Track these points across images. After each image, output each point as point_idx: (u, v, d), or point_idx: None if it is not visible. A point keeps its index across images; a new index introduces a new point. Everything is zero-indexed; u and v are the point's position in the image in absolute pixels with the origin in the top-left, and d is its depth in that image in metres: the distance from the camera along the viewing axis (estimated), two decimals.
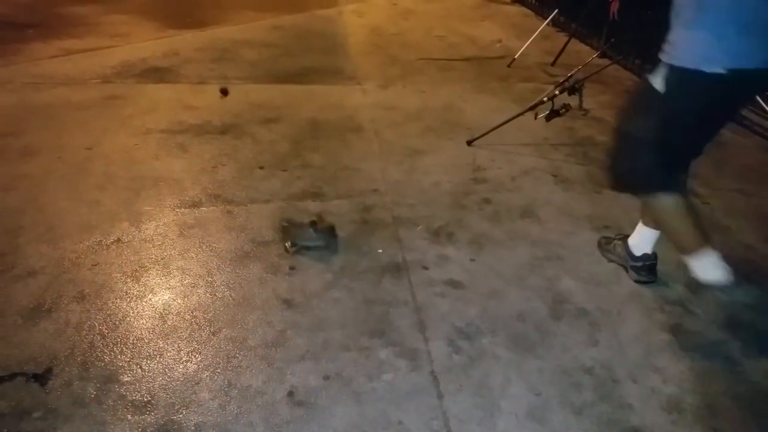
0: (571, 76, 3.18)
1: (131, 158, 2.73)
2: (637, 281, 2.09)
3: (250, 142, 2.95)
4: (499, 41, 4.96)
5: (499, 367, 1.71)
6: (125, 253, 2.10)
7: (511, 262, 2.17)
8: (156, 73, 3.70)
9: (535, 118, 3.02)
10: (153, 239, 2.18)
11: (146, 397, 1.55)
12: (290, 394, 1.59)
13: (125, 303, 1.88)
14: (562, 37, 4.75)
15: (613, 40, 4.21)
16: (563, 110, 2.95)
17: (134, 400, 1.54)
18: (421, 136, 3.16)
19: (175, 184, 2.56)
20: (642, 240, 2.06)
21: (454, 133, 3.21)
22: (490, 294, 2.00)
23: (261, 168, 2.73)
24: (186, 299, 1.91)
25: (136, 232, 2.22)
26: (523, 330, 1.85)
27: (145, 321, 1.81)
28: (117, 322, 1.79)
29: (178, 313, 1.85)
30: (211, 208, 2.40)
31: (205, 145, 2.88)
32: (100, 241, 2.15)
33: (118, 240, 2.16)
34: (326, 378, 1.64)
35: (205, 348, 1.72)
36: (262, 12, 5.13)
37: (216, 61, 3.98)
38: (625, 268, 2.13)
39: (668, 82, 1.67)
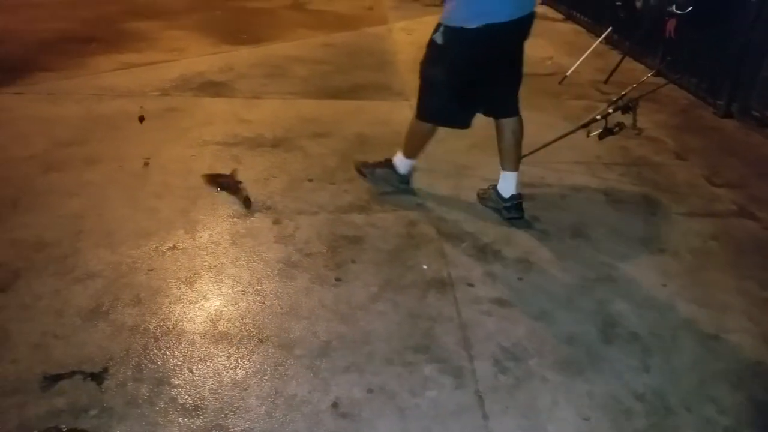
0: (625, 94, 3.12)
1: (187, 168, 2.83)
2: (509, 219, 2.47)
3: (300, 156, 3.02)
4: (550, 58, 4.91)
5: (546, 389, 1.67)
6: (180, 259, 2.17)
7: (560, 283, 2.12)
8: (212, 87, 3.84)
9: (588, 136, 2.97)
10: (206, 247, 2.25)
11: (196, 401, 1.59)
12: (334, 405, 1.60)
13: (179, 308, 1.94)
14: (616, 55, 4.65)
15: (669, 58, 4.11)
16: (617, 129, 2.89)
17: (184, 403, 1.59)
18: (468, 152, 3.15)
19: (229, 194, 2.64)
20: (507, 184, 2.48)
21: None
22: (538, 314, 1.96)
23: (310, 181, 2.78)
24: (236, 306, 1.95)
25: (191, 239, 2.29)
26: (572, 353, 1.80)
27: (196, 326, 1.86)
28: (170, 326, 1.85)
29: (228, 320, 1.89)
30: (262, 218, 2.46)
31: (258, 158, 2.97)
32: (157, 247, 2.23)
33: (174, 247, 2.24)
34: (370, 391, 1.64)
35: (253, 355, 1.75)
36: (314, 30, 5.26)
37: (269, 76, 4.11)
38: (500, 211, 2.50)
39: (444, 38, 2.17)
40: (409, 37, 5.39)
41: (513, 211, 2.46)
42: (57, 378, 1.63)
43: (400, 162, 2.62)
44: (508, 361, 1.75)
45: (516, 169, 2.47)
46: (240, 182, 2.66)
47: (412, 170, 2.66)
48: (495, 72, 2.27)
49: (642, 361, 1.79)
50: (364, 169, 2.74)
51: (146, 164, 2.82)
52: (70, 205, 2.47)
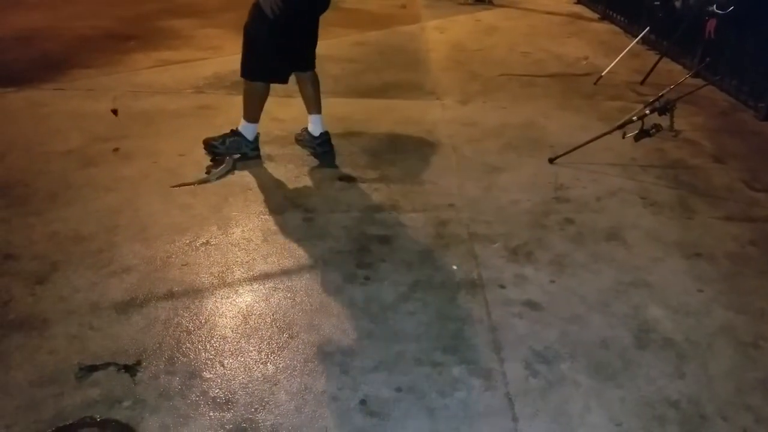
0: (662, 95, 3.04)
1: (220, 165, 2.87)
2: (322, 153, 2.91)
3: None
4: (586, 58, 4.82)
5: (578, 394, 1.64)
6: (213, 255, 2.21)
7: (594, 287, 2.09)
8: None
9: (623, 138, 2.90)
10: (239, 243, 2.28)
11: (227, 395, 1.61)
12: (363, 402, 1.60)
13: (211, 302, 1.97)
14: (653, 56, 4.55)
15: (708, 59, 3.99)
16: (653, 131, 2.82)
17: (215, 396, 1.61)
18: (501, 153, 3.12)
19: (261, 191, 2.67)
20: (315, 125, 2.94)
21: (536, 150, 3.14)
22: (570, 318, 1.93)
23: (340, 179, 2.79)
24: (267, 302, 1.97)
25: (224, 235, 2.33)
26: (605, 357, 1.77)
27: (228, 320, 1.89)
28: (202, 321, 1.88)
29: (259, 315, 1.91)
30: (293, 215, 2.48)
31: (289, 156, 2.99)
32: (190, 242, 2.27)
33: (207, 242, 2.28)
34: (399, 390, 1.64)
35: (283, 350, 1.77)
36: (347, 28, 5.28)
37: None
38: (314, 148, 2.93)
39: (263, 2, 2.50)
40: (442, 36, 5.37)
41: (324, 145, 2.93)
42: (92, 369, 1.67)
43: (245, 128, 2.84)
44: (539, 365, 1.73)
45: (320, 111, 2.94)
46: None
47: (258, 135, 2.91)
48: (305, 33, 2.73)
49: (677, 367, 1.75)
50: (213, 142, 2.88)
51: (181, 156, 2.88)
52: (106, 200, 2.53)
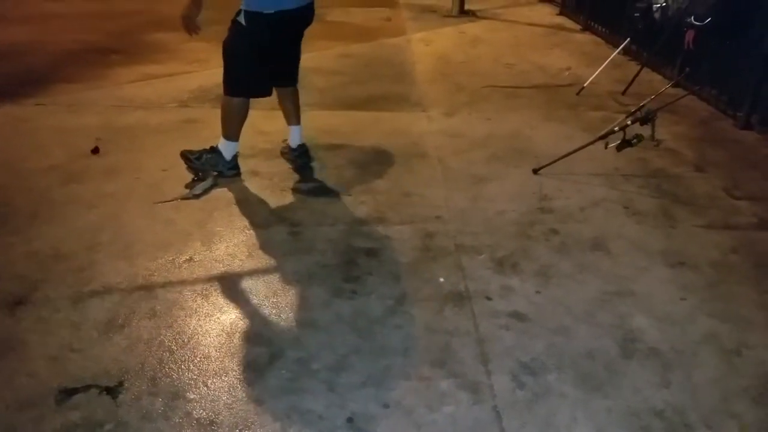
0: (643, 105, 3.09)
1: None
2: (300, 164, 2.96)
3: (317, 167, 3.03)
4: (569, 69, 4.89)
5: (565, 405, 1.64)
6: (196, 271, 2.18)
7: (579, 297, 2.09)
8: None
9: (606, 148, 2.94)
10: (223, 259, 2.26)
11: (211, 416, 1.59)
12: (350, 420, 1.58)
13: (194, 321, 1.94)
14: (634, 66, 4.61)
15: (688, 70, 4.06)
16: (635, 140, 2.86)
17: (199, 417, 1.58)
18: (487, 164, 3.14)
19: (246, 206, 2.65)
20: (294, 136, 2.99)
21: (521, 161, 3.16)
22: (557, 329, 1.93)
23: (327, 192, 2.79)
24: (252, 319, 1.95)
25: (208, 251, 2.30)
26: (591, 368, 1.77)
27: (212, 339, 1.86)
28: (186, 339, 1.86)
29: (244, 333, 1.89)
30: (279, 230, 2.46)
31: (274, 169, 2.98)
32: (173, 259, 2.25)
33: (190, 259, 2.25)
34: (386, 406, 1.62)
35: (268, 369, 1.75)
36: (332, 41, 5.30)
37: None
38: (294, 160, 2.99)
39: (246, 19, 2.52)
40: (427, 48, 5.41)
41: (302, 157, 2.98)
42: (72, 392, 1.64)
43: (224, 147, 2.81)
44: (526, 376, 1.73)
45: (298, 123, 2.99)
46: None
47: (237, 154, 2.88)
48: (286, 49, 2.74)
49: (662, 376, 1.75)
50: (190, 156, 2.86)
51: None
52: (88, 217, 2.50)
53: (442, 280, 2.16)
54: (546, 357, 1.80)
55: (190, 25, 2.49)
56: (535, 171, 3.03)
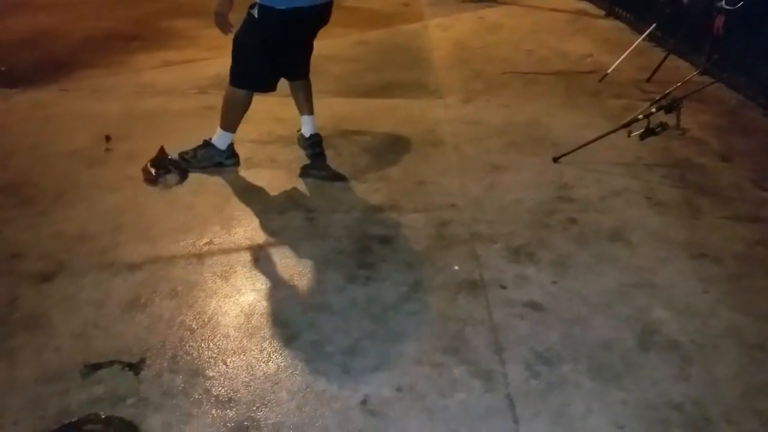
0: (668, 93, 3.02)
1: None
2: (312, 155, 2.89)
3: (332, 154, 3.02)
4: (591, 56, 4.79)
5: (580, 396, 1.63)
6: (216, 254, 2.22)
7: (597, 288, 2.07)
8: None
9: (629, 136, 2.89)
10: (241, 243, 2.29)
11: (229, 393, 1.62)
12: (364, 402, 1.60)
13: (214, 301, 1.98)
14: (659, 53, 4.50)
15: (716, 56, 3.95)
16: (659, 129, 2.80)
17: (218, 394, 1.62)
18: (504, 152, 3.11)
19: (263, 191, 2.67)
20: (307, 126, 2.95)
21: (540, 149, 3.12)
22: (573, 319, 1.92)
23: (344, 178, 2.79)
24: (270, 301, 1.98)
25: (227, 235, 2.33)
26: (607, 359, 1.76)
27: (231, 319, 1.90)
28: (206, 319, 1.89)
29: (261, 314, 1.92)
30: (295, 215, 2.48)
31: (291, 155, 2.99)
32: (194, 242, 2.28)
33: (210, 242, 2.28)
34: (399, 390, 1.64)
35: (285, 350, 1.78)
36: (348, 27, 5.27)
37: None
38: (306, 149, 2.94)
39: (259, 12, 2.48)
40: (445, 34, 5.35)
41: (314, 147, 2.92)
42: (97, 367, 1.69)
43: (219, 137, 2.78)
44: (540, 366, 1.72)
45: (311, 113, 2.94)
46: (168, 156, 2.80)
47: (233, 143, 2.84)
48: (296, 46, 2.70)
49: (681, 369, 1.73)
50: (186, 156, 2.81)
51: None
52: (110, 200, 2.55)
53: (456, 268, 2.15)
54: (561, 347, 1.79)
55: (223, 22, 2.49)
56: (556, 159, 2.99)
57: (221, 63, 4.30)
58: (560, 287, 2.07)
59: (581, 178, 2.84)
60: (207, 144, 2.81)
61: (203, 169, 2.78)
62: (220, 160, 2.81)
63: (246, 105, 2.72)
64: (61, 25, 5.09)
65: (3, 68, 4.06)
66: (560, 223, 2.46)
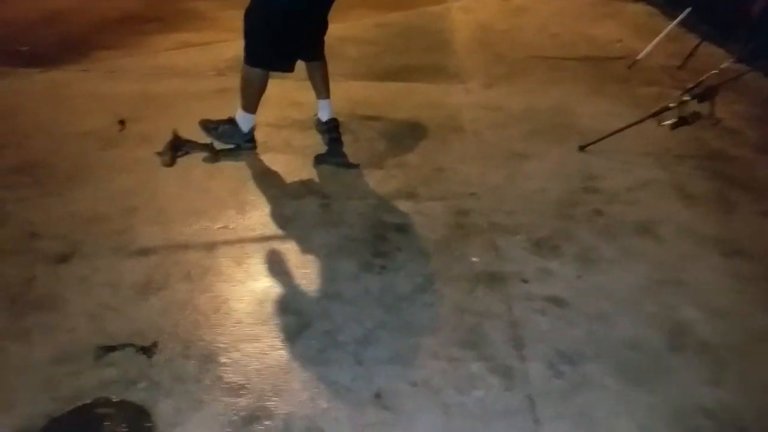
0: (702, 81, 2.87)
1: (239, 149, 2.82)
2: (329, 140, 2.82)
3: (348, 139, 2.95)
4: (620, 41, 4.62)
5: (604, 398, 1.55)
6: (231, 238, 2.17)
7: (623, 283, 1.98)
8: None
9: (659, 126, 2.76)
10: (256, 228, 2.24)
11: (241, 380, 1.58)
12: (377, 395, 1.55)
13: (228, 286, 1.94)
14: (692, 39, 4.32)
15: (753, 43, 3.76)
16: (692, 119, 2.67)
17: (230, 382, 1.58)
18: (526, 139, 3.00)
19: (278, 176, 2.62)
20: (324, 110, 2.88)
21: (564, 137, 3.01)
22: (597, 316, 1.83)
23: (358, 165, 2.72)
24: (283, 288, 1.94)
25: (241, 219, 2.28)
26: (634, 360, 1.67)
27: (244, 305, 1.86)
28: (219, 304, 1.85)
29: (274, 301, 1.87)
30: (310, 201, 2.42)
31: (307, 140, 2.92)
32: (208, 226, 2.24)
33: (225, 226, 2.24)
34: (414, 384, 1.58)
35: (297, 338, 1.73)
36: (368, 9, 5.16)
37: None
38: (323, 133, 2.87)
39: None
40: (468, 17, 5.21)
41: (331, 132, 2.85)
42: (110, 349, 1.67)
43: (242, 118, 2.73)
44: (563, 365, 1.64)
45: (328, 97, 2.88)
46: (186, 139, 2.77)
47: (254, 127, 2.80)
48: (310, 23, 2.61)
49: (713, 373, 1.64)
50: (209, 125, 2.78)
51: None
52: (124, 181, 2.51)
53: (474, 259, 2.07)
54: (585, 345, 1.71)
55: None
56: (582, 148, 2.88)
57: (239, 45, 4.21)
58: (584, 282, 1.98)
59: (608, 169, 2.72)
60: (231, 121, 2.77)
61: (219, 141, 2.76)
62: (239, 142, 2.76)
63: (263, 84, 2.65)
64: (81, 4, 5.06)
65: (25, 48, 4.06)
66: (585, 215, 2.36)
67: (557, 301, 1.88)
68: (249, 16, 2.55)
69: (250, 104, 2.71)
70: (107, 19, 4.73)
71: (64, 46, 4.10)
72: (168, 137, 2.78)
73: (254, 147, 2.81)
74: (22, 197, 2.37)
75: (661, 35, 4.05)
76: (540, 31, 4.81)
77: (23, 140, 2.84)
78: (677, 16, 4.48)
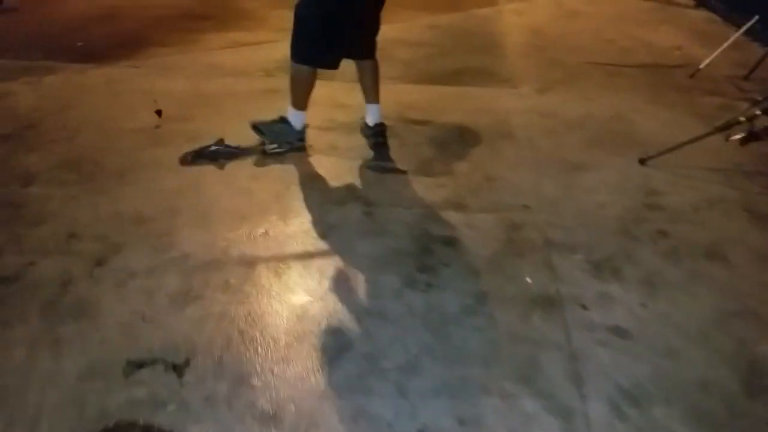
0: None
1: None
2: (374, 144, 2.77)
3: (395, 144, 2.86)
4: (679, 48, 4.37)
5: None
6: (271, 246, 2.11)
7: (692, 314, 1.82)
8: None
9: (727, 140, 2.56)
10: (297, 236, 2.17)
11: (274, 408, 1.50)
12: None
13: (265, 299, 1.86)
14: (758, 48, 4.05)
15: None
16: (763, 134, 2.46)
17: (262, 409, 1.49)
18: (583, 149, 2.84)
19: (322, 180, 2.55)
20: (372, 114, 2.83)
21: (624, 148, 2.83)
22: (665, 351, 1.67)
23: (404, 172, 2.62)
24: (322, 303, 1.85)
25: (283, 225, 2.22)
26: (707, 404, 1.52)
27: (281, 321, 1.78)
28: (255, 319, 1.78)
29: (313, 318, 1.79)
30: (354, 208, 2.34)
31: (353, 144, 2.85)
32: (250, 231, 2.18)
33: (266, 233, 2.18)
34: (462, 423, 1.46)
35: (336, 361, 1.64)
36: (419, 11, 5.06)
37: None
38: (368, 138, 2.82)
39: None
40: (520, 20, 5.04)
41: (377, 137, 2.79)
42: (140, 365, 1.61)
43: (293, 116, 2.72)
44: (627, 407, 1.50)
45: (377, 101, 2.81)
46: (228, 148, 2.73)
47: (306, 125, 2.79)
48: (357, 18, 2.52)
49: None
50: (261, 126, 2.76)
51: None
52: (171, 181, 2.49)
53: (529, 280, 1.94)
54: (652, 384, 1.56)
55: None
56: (642, 161, 2.70)
57: (287, 46, 4.22)
58: (649, 311, 1.82)
59: (672, 184, 2.54)
60: (283, 120, 2.74)
61: (273, 142, 2.73)
62: (291, 140, 2.74)
63: (311, 82, 2.62)
64: (136, 2, 5.16)
65: (80, 43, 4.15)
66: (648, 235, 2.19)
67: (620, 332, 1.74)
68: (297, 10, 2.52)
69: (300, 101, 2.69)
70: (161, 17, 4.80)
71: (119, 42, 4.17)
72: (215, 138, 2.76)
73: (304, 148, 2.78)
74: (68, 195, 2.37)
75: (727, 43, 3.80)
76: (595, 36, 4.61)
77: (74, 135, 2.87)
78: (738, 23, 4.20)
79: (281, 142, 2.74)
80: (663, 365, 1.62)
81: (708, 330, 1.75)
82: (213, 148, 2.73)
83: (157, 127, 2.95)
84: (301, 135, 2.76)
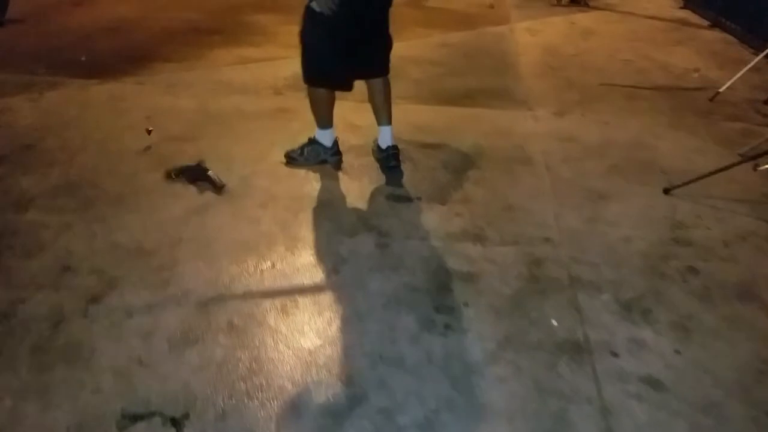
0: None
1: (293, 175, 2.67)
2: (388, 168, 2.68)
3: (408, 168, 2.75)
4: (697, 70, 4.27)
5: None
6: (278, 281, 1.99)
7: (729, 362, 1.69)
8: None
9: (755, 170, 2.45)
10: (306, 270, 2.05)
11: None
12: None
13: (271, 341, 1.74)
14: None
15: None
16: None
17: None
18: (605, 177, 2.72)
19: (332, 208, 2.44)
20: (383, 136, 2.72)
21: (647, 175, 2.72)
22: (703, 405, 1.55)
23: (418, 199, 2.51)
24: (333, 347, 1.72)
25: (291, 258, 2.11)
26: None
27: (288, 368, 1.65)
28: (261, 365, 1.66)
29: (323, 364, 1.66)
30: (366, 240, 2.22)
31: (365, 168, 2.74)
32: (255, 264, 2.07)
33: (273, 266, 2.06)
34: None
35: (349, 416, 1.51)
36: (430, 29, 4.99)
37: None
38: (380, 161, 2.73)
39: (318, 3, 2.30)
40: (533, 39, 4.96)
41: (389, 159, 2.70)
42: (135, 418, 1.48)
43: (321, 135, 2.72)
44: None
45: (389, 123, 2.70)
46: (207, 169, 2.59)
47: (337, 139, 2.77)
48: (363, 33, 2.46)
49: None
50: (292, 154, 2.76)
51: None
52: (173, 209, 2.38)
53: (554, 323, 1.82)
54: None
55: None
56: (667, 191, 2.58)
57: (298, 63, 4.13)
58: (684, 359, 1.70)
59: (699, 216, 2.42)
60: (312, 141, 2.75)
61: (309, 165, 2.73)
62: (325, 157, 2.74)
63: (329, 100, 2.63)
64: (143, 15, 5.10)
65: (84, 58, 4.06)
66: (678, 273, 2.07)
67: (655, 384, 1.61)
68: (302, 34, 2.50)
69: (323, 120, 2.70)
70: (169, 30, 4.72)
71: (124, 57, 4.08)
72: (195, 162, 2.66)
73: (340, 160, 2.78)
74: (64, 222, 2.25)
75: (747, 67, 3.70)
76: (611, 57, 4.52)
77: (73, 157, 2.76)
78: (754, 44, 4.11)
79: (314, 161, 2.73)
80: (702, 422, 1.49)
81: (747, 381, 1.62)
82: (192, 169, 2.63)
83: (148, 148, 2.84)
84: (333, 149, 2.75)
